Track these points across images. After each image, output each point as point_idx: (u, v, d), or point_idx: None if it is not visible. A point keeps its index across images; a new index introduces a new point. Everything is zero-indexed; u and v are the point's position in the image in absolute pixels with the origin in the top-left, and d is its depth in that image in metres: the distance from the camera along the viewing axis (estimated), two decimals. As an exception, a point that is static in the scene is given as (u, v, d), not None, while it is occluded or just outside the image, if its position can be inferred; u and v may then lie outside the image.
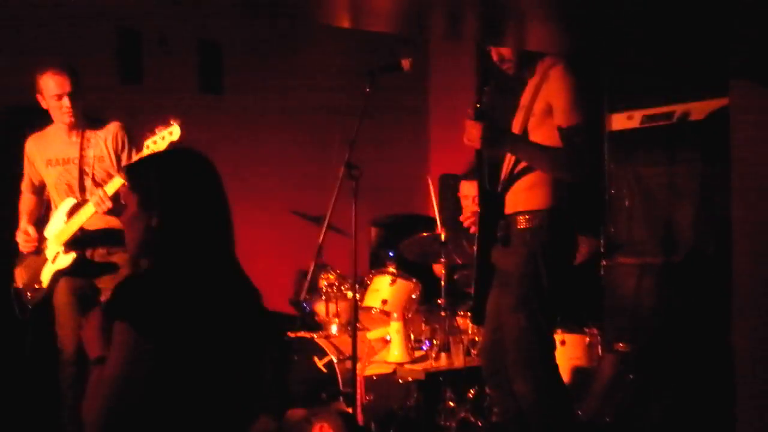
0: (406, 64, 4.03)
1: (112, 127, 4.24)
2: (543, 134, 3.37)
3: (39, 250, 4.26)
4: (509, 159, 3.50)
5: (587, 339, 4.51)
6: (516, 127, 3.50)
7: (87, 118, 4.22)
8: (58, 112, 4.15)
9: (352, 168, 3.98)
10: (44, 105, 4.18)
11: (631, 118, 4.68)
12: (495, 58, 3.54)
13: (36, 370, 4.51)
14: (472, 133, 3.34)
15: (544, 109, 3.37)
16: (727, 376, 3.20)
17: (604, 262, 4.68)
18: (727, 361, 3.21)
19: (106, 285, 4.20)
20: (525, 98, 3.50)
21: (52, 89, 4.10)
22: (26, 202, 4.40)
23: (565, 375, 4.36)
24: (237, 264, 2.24)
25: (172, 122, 3.92)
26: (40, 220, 4.37)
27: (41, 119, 4.27)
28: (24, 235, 4.29)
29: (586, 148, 3.29)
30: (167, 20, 5.56)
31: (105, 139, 4.21)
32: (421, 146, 6.95)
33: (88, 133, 4.22)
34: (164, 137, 3.91)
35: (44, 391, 4.40)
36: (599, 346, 4.46)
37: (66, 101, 4.10)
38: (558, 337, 4.50)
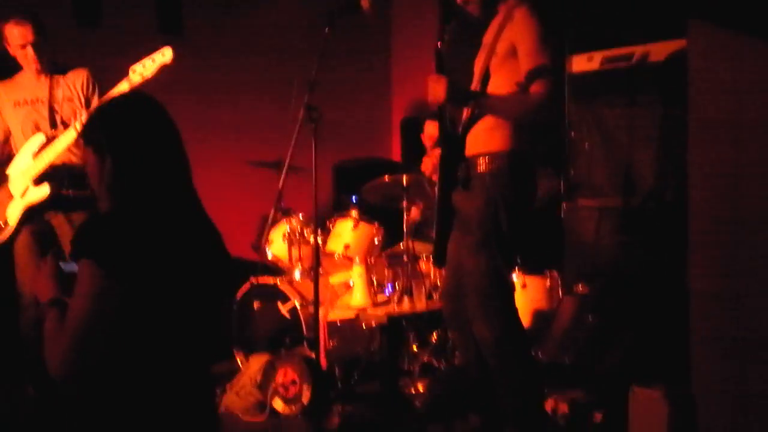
0: (365, 3, 3.96)
1: (82, 72, 4.35)
2: (505, 75, 3.37)
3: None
4: None
5: (547, 282, 4.58)
6: (478, 66, 3.49)
7: (55, 64, 4.33)
8: (24, 60, 4.26)
9: (311, 110, 3.95)
10: (11, 52, 4.27)
11: (591, 60, 4.68)
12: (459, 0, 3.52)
13: None
14: (437, 89, 3.32)
15: (508, 49, 3.36)
16: (684, 318, 3.28)
17: (564, 205, 4.72)
18: (683, 303, 3.29)
19: (60, 223, 4.26)
20: (488, 37, 3.48)
21: (16, 38, 4.20)
22: None
23: (526, 317, 4.44)
24: (199, 205, 2.28)
25: (164, 46, 4.01)
26: None
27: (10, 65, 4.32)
28: None
29: (550, 91, 3.30)
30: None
31: (74, 82, 4.32)
32: (383, 88, 6.91)
33: (57, 76, 4.32)
34: (154, 60, 4.01)
35: (6, 335, 4.41)
36: (559, 289, 4.53)
37: (30, 50, 4.21)
38: (518, 279, 4.57)
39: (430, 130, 4.83)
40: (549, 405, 3.76)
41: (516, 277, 4.55)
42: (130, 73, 4.03)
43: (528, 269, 4.50)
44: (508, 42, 3.35)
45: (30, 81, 4.33)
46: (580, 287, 4.40)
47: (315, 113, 3.93)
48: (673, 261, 3.86)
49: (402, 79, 6.81)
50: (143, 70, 4.02)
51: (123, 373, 2.10)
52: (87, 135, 2.27)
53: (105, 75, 4.50)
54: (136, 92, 2.37)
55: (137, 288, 2.08)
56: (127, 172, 2.18)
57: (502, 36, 3.37)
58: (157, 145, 2.21)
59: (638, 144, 4.51)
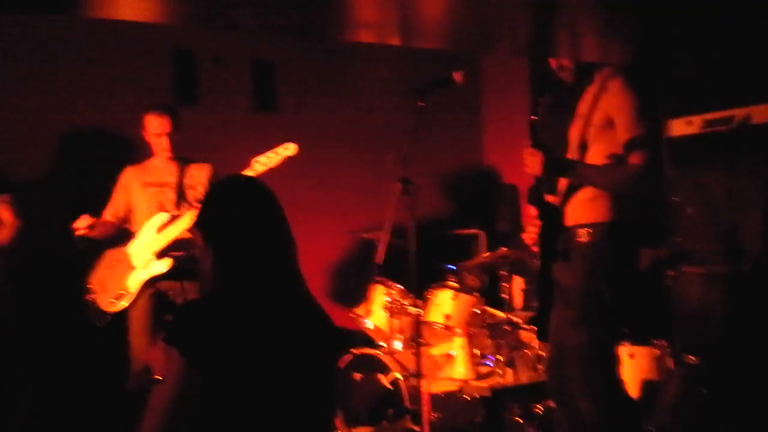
0: (458, 77, 4.07)
1: (206, 166, 4.72)
2: (602, 145, 3.41)
3: (88, 241, 4.50)
4: None
5: (656, 351, 4.51)
6: (574, 136, 3.54)
7: (183, 158, 4.70)
8: (159, 148, 4.65)
9: (407, 183, 4.05)
10: (147, 139, 4.66)
11: (691, 124, 4.66)
12: (554, 65, 3.58)
13: (106, 377, 4.69)
14: (532, 162, 3.38)
15: (604, 120, 3.40)
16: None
17: (670, 273, 4.66)
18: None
19: (176, 294, 4.54)
20: (583, 107, 3.53)
21: (154, 128, 4.60)
22: (100, 219, 4.63)
23: (634, 388, 4.37)
24: (301, 284, 2.33)
25: (288, 143, 4.34)
26: (106, 239, 4.64)
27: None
28: (87, 217, 4.47)
29: (649, 162, 3.32)
30: (221, 40, 5.72)
31: (199, 172, 4.68)
32: (474, 155, 6.97)
33: (185, 166, 4.69)
34: (278, 152, 4.33)
35: (114, 399, 4.56)
36: (668, 359, 4.46)
37: (165, 140, 4.60)
38: (626, 349, 4.51)
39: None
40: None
41: (623, 347, 4.51)
42: (253, 163, 4.31)
43: (635, 339, 4.44)
44: (604, 113, 3.40)
45: (159, 167, 4.68)
46: (690, 357, 4.33)
47: (410, 187, 4.03)
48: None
49: (494, 145, 6.86)
50: (267, 161, 4.31)
51: None
52: (198, 217, 2.38)
53: (202, 150, 4.76)
54: (239, 177, 2.50)
55: (223, 377, 2.13)
56: (227, 257, 2.25)
57: (598, 107, 3.41)
58: (258, 230, 2.27)
59: (742, 208, 4.45)
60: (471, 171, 6.82)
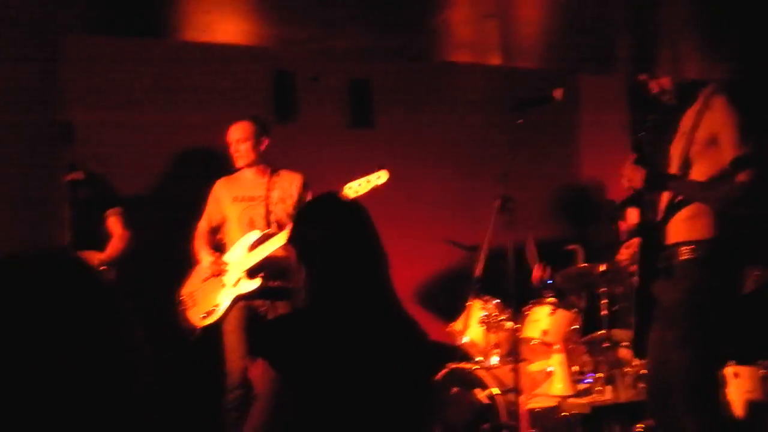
0: (558, 94, 4.10)
1: (297, 176, 4.79)
2: (706, 163, 3.40)
3: (217, 281, 4.66)
4: None
5: (761, 371, 4.43)
6: (676, 152, 3.54)
7: (273, 168, 4.78)
8: (238, 156, 4.71)
9: (507, 201, 4.10)
10: (232, 151, 4.75)
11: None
12: (655, 89, 3.59)
13: (199, 391, 4.83)
14: (635, 176, 3.40)
15: (707, 138, 3.40)
16: None
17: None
18: None
19: (268, 309, 4.61)
20: (685, 124, 3.52)
21: (234, 135, 4.71)
22: (202, 238, 4.81)
23: (739, 409, 4.31)
24: (394, 301, 2.36)
25: (380, 169, 4.38)
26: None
27: (209, 161, 4.88)
28: (212, 258, 4.68)
29: (755, 178, 3.30)
30: (319, 60, 5.89)
31: (291, 184, 4.74)
32: (571, 171, 6.96)
33: (275, 177, 4.76)
34: (369, 180, 4.36)
35: (206, 411, 4.72)
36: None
37: (244, 147, 4.68)
38: (730, 369, 4.45)
39: (633, 218, 4.86)
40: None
41: (728, 367, 4.44)
42: (345, 190, 4.36)
43: (740, 359, 4.38)
44: (707, 131, 3.39)
45: (249, 180, 4.76)
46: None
47: (510, 203, 4.08)
48: None
49: (592, 164, 6.84)
50: (358, 188, 4.36)
51: None
52: (291, 234, 2.47)
53: (300, 165, 4.89)
54: (329, 195, 2.58)
55: (317, 391, 2.16)
56: (321, 273, 2.30)
57: (702, 124, 3.41)
58: (351, 247, 2.32)
59: None
60: (568, 187, 6.82)
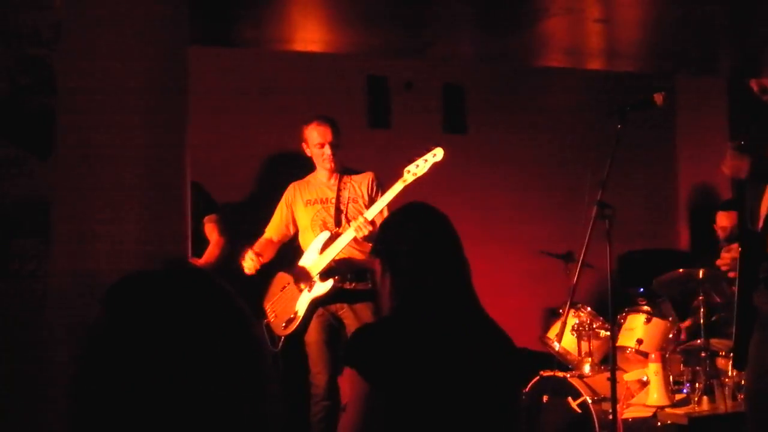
0: (659, 98, 4.04)
1: (368, 174, 4.78)
2: None
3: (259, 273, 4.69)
4: None
5: None
6: None
7: (344, 168, 4.78)
8: (320, 159, 4.71)
9: (604, 207, 4.07)
10: (308, 153, 4.76)
11: None
12: (756, 89, 3.54)
13: (286, 400, 4.87)
14: (739, 165, 3.35)
15: None
16: None
17: None
18: None
19: (347, 314, 4.62)
20: None
21: (315, 138, 4.68)
22: (260, 242, 4.83)
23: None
24: (478, 307, 2.38)
25: (433, 147, 4.41)
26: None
27: (303, 167, 4.85)
28: (252, 254, 4.68)
29: None
30: (412, 66, 5.97)
31: (360, 184, 4.74)
32: (668, 177, 6.88)
33: (345, 178, 4.76)
34: (427, 160, 4.42)
35: (291, 425, 4.80)
36: None
37: (327, 149, 4.67)
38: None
39: (723, 221, 4.78)
40: None
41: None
42: (405, 173, 4.42)
43: None
44: None
45: (321, 182, 4.77)
46: None
47: (608, 210, 4.04)
48: None
49: (688, 168, 6.75)
50: (417, 170, 4.41)
51: None
52: (376, 242, 2.51)
53: (394, 171, 4.94)
54: (416, 204, 2.62)
55: (408, 399, 2.16)
56: (405, 284, 2.33)
57: None
58: (433, 257, 2.35)
59: None
60: (665, 191, 6.75)
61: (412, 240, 2.36)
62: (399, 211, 2.64)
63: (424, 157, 4.43)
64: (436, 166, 4.44)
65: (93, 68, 3.06)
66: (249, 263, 4.69)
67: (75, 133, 3.01)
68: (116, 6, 3.14)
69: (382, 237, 2.47)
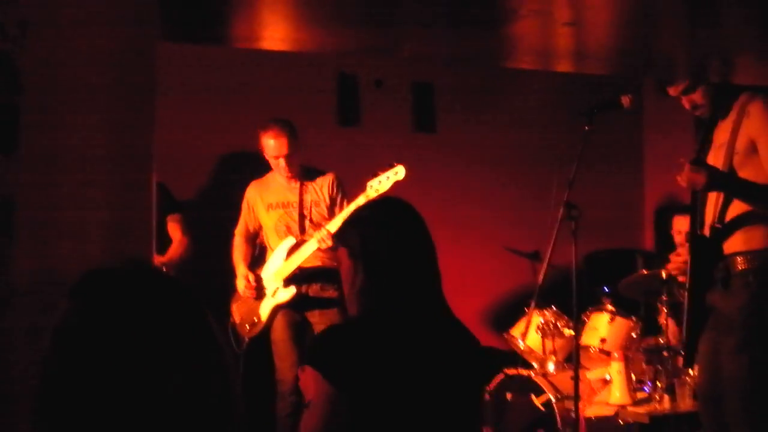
0: (625, 101, 4.14)
1: (329, 176, 4.82)
2: (750, 171, 3.44)
3: (259, 296, 4.77)
4: (716, 200, 3.56)
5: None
6: (718, 166, 3.56)
7: (304, 169, 4.82)
8: (276, 168, 4.77)
9: (571, 208, 4.15)
10: (266, 158, 4.78)
11: None
12: (687, 106, 3.65)
13: (250, 401, 4.86)
14: (696, 177, 3.45)
15: (747, 145, 3.44)
16: None
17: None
18: None
19: (316, 320, 4.72)
20: (721, 137, 3.56)
21: (270, 150, 4.71)
22: (240, 249, 4.93)
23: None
24: (446, 309, 2.37)
25: (396, 164, 4.45)
26: (253, 263, 4.93)
27: (268, 167, 4.88)
28: (244, 280, 4.82)
29: None
30: (383, 65, 6.03)
31: (321, 186, 4.79)
32: (635, 178, 6.98)
33: (306, 182, 4.80)
34: (389, 177, 4.45)
35: (258, 421, 4.85)
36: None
37: (282, 161, 4.70)
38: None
39: (679, 225, 4.90)
40: None
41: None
42: (368, 188, 4.46)
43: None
44: (746, 138, 3.44)
45: (281, 185, 4.82)
46: None
47: (575, 211, 4.12)
48: None
49: (655, 169, 6.85)
50: (379, 186, 4.44)
51: None
52: (343, 238, 2.45)
53: (364, 169, 4.98)
54: (391, 198, 2.62)
55: (370, 400, 2.16)
56: (378, 279, 2.30)
57: (740, 133, 3.46)
58: (408, 253, 2.32)
59: None
60: (632, 192, 6.85)
61: (393, 241, 2.31)
62: (379, 207, 2.63)
63: (387, 173, 4.47)
64: (397, 184, 4.46)
65: (59, 65, 3.08)
66: (242, 284, 4.80)
67: (40, 131, 3.02)
68: (84, 3, 3.15)
69: (358, 233, 2.35)
